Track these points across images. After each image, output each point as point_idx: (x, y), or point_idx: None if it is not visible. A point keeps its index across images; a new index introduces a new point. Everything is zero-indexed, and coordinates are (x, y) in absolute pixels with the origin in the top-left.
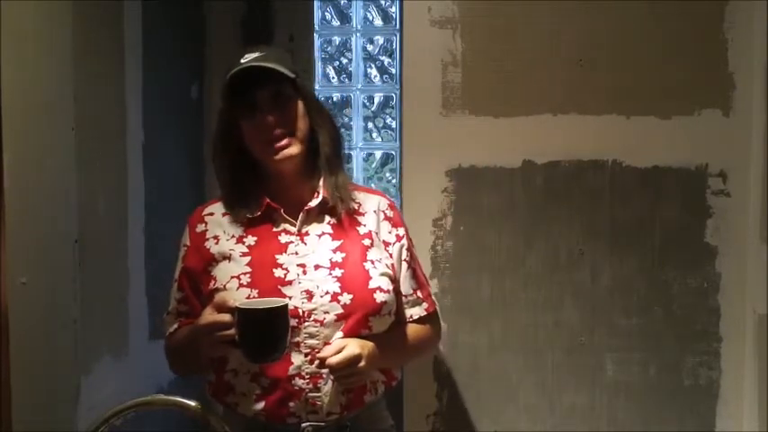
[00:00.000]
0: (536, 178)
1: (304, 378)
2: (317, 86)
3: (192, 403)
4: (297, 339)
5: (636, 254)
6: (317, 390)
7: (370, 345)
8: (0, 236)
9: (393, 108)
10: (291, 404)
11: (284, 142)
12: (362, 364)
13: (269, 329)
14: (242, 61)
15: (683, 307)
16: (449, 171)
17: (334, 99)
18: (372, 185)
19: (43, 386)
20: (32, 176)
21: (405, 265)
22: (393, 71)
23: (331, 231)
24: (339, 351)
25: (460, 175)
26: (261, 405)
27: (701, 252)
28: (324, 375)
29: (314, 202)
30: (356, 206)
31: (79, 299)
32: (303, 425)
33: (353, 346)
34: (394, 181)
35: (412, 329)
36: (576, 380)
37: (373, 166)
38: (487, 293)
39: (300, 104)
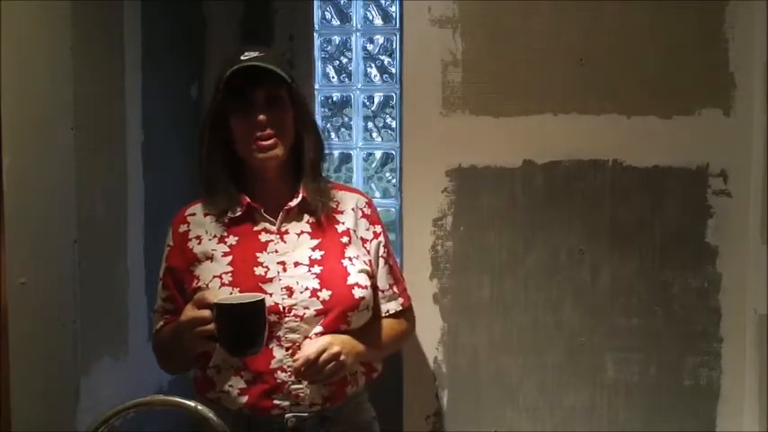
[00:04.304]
0: (536, 178)
1: (286, 371)
2: (316, 86)
3: (192, 403)
4: (278, 334)
5: (636, 254)
6: (299, 382)
7: (349, 340)
8: (0, 236)
9: (393, 108)
10: (274, 397)
11: (271, 142)
12: (343, 358)
13: (246, 324)
14: (242, 58)
15: (684, 307)
16: (449, 171)
17: (334, 99)
18: (372, 185)
19: (43, 386)
20: (32, 177)
21: (382, 261)
22: (393, 71)
23: (310, 230)
24: (317, 356)
25: (460, 175)
26: (245, 399)
27: (701, 252)
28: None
29: (294, 202)
30: (334, 205)
31: (79, 299)
32: (286, 416)
33: (333, 346)
34: (394, 181)
35: (388, 323)
36: (577, 380)
37: (373, 165)
38: (487, 293)
39: (291, 110)
